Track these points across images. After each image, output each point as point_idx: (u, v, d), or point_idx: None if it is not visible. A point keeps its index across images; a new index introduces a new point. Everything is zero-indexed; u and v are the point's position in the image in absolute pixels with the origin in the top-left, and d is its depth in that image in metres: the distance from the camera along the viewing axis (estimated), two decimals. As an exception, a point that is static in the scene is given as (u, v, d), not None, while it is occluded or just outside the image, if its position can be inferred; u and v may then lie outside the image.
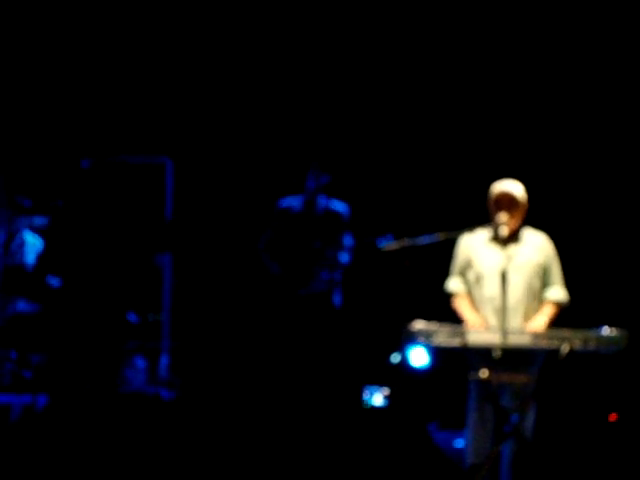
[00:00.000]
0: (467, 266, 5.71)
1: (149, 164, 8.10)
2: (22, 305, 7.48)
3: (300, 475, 5.16)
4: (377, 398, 7.18)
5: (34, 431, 6.00)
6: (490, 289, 5.60)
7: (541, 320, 5.55)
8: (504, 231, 5.57)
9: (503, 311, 5.46)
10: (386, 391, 7.11)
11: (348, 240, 7.45)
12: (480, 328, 5.44)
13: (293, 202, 7.50)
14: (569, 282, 5.77)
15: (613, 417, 6.76)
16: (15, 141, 7.99)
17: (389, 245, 5.60)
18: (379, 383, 7.23)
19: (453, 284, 5.77)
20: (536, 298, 5.65)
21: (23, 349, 7.29)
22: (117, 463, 5.59)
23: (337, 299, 7.43)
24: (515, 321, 5.54)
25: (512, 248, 5.64)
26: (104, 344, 5.98)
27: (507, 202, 5.60)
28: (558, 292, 5.67)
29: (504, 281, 5.47)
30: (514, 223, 5.64)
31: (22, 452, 5.67)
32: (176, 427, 6.28)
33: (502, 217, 5.58)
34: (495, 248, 5.67)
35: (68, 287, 6.00)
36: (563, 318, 5.64)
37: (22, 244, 7.80)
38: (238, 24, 8.43)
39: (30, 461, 5.57)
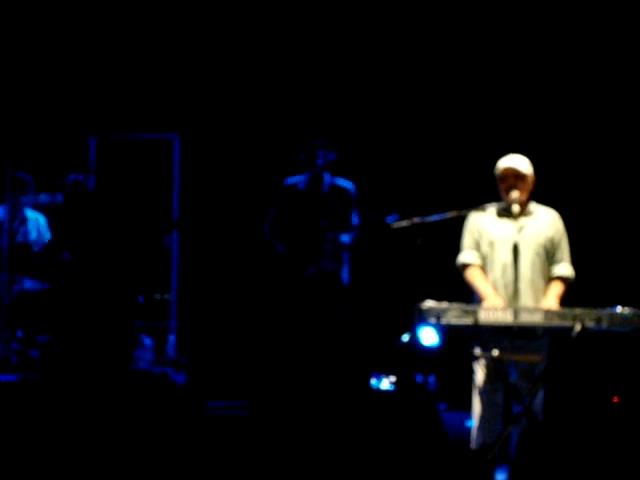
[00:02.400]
0: (479, 238, 5.65)
1: (157, 140, 8.07)
2: (28, 283, 7.45)
3: (308, 459, 5.12)
4: (384, 383, 7.14)
5: (39, 408, 5.98)
6: (501, 259, 5.55)
7: (552, 300, 5.50)
8: (516, 208, 5.52)
9: (514, 283, 5.43)
10: (393, 378, 7.07)
11: (355, 218, 7.40)
12: (492, 305, 5.39)
13: (299, 180, 7.44)
14: (583, 261, 5.72)
15: (616, 399, 6.71)
16: (21, 118, 7.95)
17: (399, 223, 5.54)
18: (388, 364, 7.19)
19: (466, 255, 5.69)
20: (545, 273, 5.61)
21: (29, 328, 7.26)
22: (125, 443, 5.56)
23: (345, 278, 7.38)
24: (525, 294, 5.51)
25: (522, 221, 5.60)
26: (115, 323, 5.95)
27: (513, 177, 5.57)
28: (567, 269, 5.63)
29: (516, 250, 5.45)
30: (522, 197, 5.59)
31: (27, 430, 5.65)
32: (185, 408, 6.25)
33: (514, 194, 5.53)
34: (506, 221, 5.63)
35: (77, 265, 5.96)
36: (576, 297, 5.59)
37: (25, 222, 7.77)
38: (247, 5, 8.39)
39: (37, 439, 5.55)
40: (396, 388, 6.95)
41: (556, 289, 5.57)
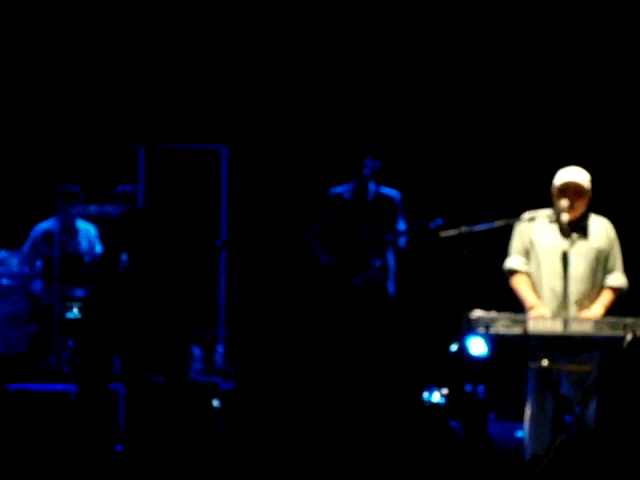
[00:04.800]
0: (530, 246, 5.61)
1: (205, 151, 8.11)
2: (80, 293, 7.53)
3: (358, 467, 5.13)
4: (436, 396, 7.10)
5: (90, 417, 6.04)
6: (552, 269, 5.51)
7: (597, 309, 5.45)
8: (565, 217, 5.48)
9: (564, 293, 5.40)
10: (445, 390, 7.03)
11: (401, 226, 7.38)
12: (540, 314, 5.35)
13: (344, 190, 7.45)
14: (635, 270, 5.67)
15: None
16: (71, 129, 8.03)
17: (447, 232, 5.52)
18: (437, 375, 7.16)
19: (513, 261, 5.65)
20: (596, 283, 5.56)
21: (80, 338, 7.33)
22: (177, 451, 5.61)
23: (391, 288, 7.36)
24: (574, 305, 5.47)
25: (576, 234, 5.55)
26: (169, 334, 5.99)
27: (573, 191, 5.52)
28: (618, 278, 5.57)
29: (566, 260, 5.41)
30: (579, 211, 5.55)
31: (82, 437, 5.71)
32: (234, 415, 6.28)
33: (563, 203, 5.49)
34: (558, 231, 5.58)
35: (136, 275, 6.02)
36: (627, 306, 5.53)
37: (76, 233, 7.85)
38: (293, 18, 8.42)
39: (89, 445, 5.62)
40: (447, 401, 6.91)
41: (605, 298, 5.53)
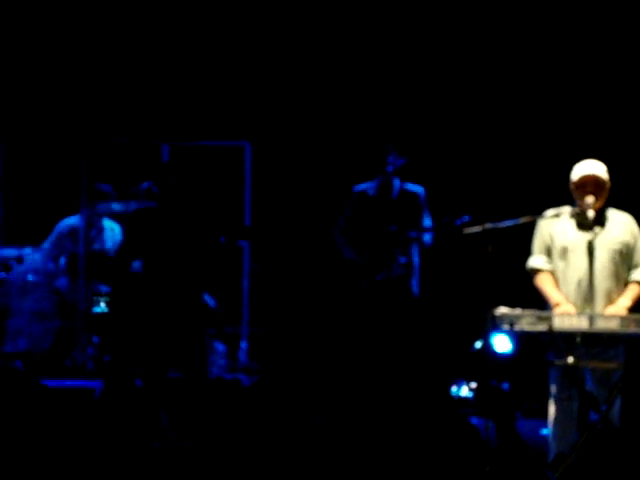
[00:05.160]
0: (551, 243, 5.60)
1: (228, 147, 8.12)
2: (106, 288, 7.55)
3: (383, 462, 5.11)
4: (464, 390, 7.08)
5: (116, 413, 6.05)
6: (575, 264, 5.49)
7: (623, 303, 5.41)
8: (591, 214, 5.45)
9: (589, 286, 5.37)
10: (473, 384, 7.00)
11: (426, 222, 7.36)
12: (565, 311, 5.32)
13: (369, 186, 7.43)
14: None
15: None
16: (95, 127, 8.06)
17: (471, 229, 5.49)
18: (461, 372, 7.14)
19: (536, 260, 5.64)
20: (620, 277, 5.52)
21: (107, 332, 7.35)
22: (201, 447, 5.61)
23: (415, 285, 7.34)
24: (599, 300, 5.44)
25: (597, 226, 5.53)
26: (190, 329, 6.01)
27: (592, 184, 5.49)
28: None
29: (590, 255, 5.39)
30: (599, 204, 5.52)
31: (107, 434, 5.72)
32: (256, 412, 6.27)
33: (589, 199, 5.46)
34: (580, 226, 5.56)
35: (151, 272, 6.03)
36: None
37: (101, 230, 7.88)
38: (314, 8, 8.41)
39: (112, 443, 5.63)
40: (476, 395, 6.89)
41: (631, 292, 5.49)
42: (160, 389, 6.05)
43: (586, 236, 5.51)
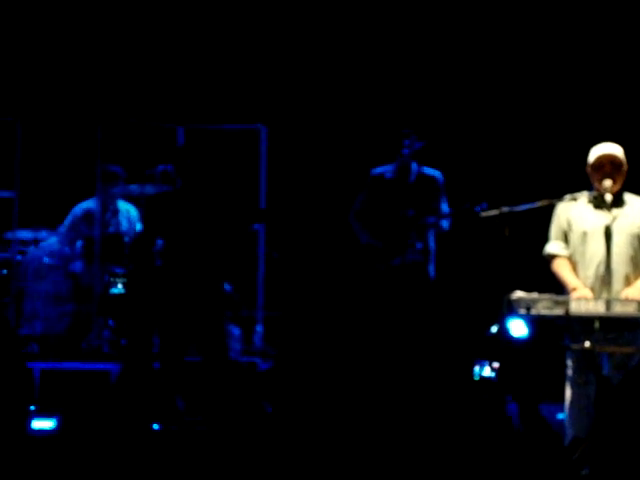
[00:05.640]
0: (568, 228, 5.56)
1: (244, 131, 8.10)
2: (121, 272, 7.56)
3: (404, 447, 5.10)
4: (486, 370, 7.05)
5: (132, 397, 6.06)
6: (593, 248, 5.45)
7: (638, 287, 5.36)
8: (609, 197, 5.40)
9: (607, 270, 5.34)
10: (495, 364, 6.97)
11: (444, 207, 7.32)
12: (582, 296, 5.29)
13: (386, 170, 7.39)
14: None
15: None
16: (110, 109, 8.05)
17: (487, 212, 5.46)
18: (480, 354, 7.12)
19: (553, 246, 5.60)
20: (638, 262, 5.47)
21: (124, 314, 7.37)
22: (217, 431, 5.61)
23: (432, 270, 7.30)
24: (617, 285, 5.40)
25: (615, 210, 5.47)
26: (210, 313, 6.01)
27: (609, 165, 5.45)
28: None
29: (609, 239, 5.36)
30: (617, 186, 5.47)
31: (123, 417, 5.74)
32: (272, 396, 6.27)
33: (607, 182, 5.41)
34: (598, 210, 5.51)
35: (171, 256, 6.04)
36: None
37: (116, 213, 7.88)
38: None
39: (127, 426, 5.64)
40: (498, 375, 6.87)
41: None
42: (177, 373, 6.06)
43: (604, 220, 5.46)
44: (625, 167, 5.51)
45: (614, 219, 5.45)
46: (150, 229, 6.18)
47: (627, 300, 5.21)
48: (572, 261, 5.54)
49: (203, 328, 6.03)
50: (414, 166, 7.34)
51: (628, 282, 5.43)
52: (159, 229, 6.13)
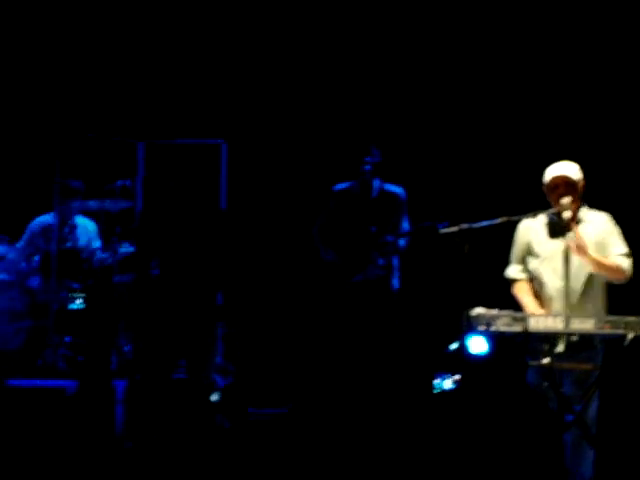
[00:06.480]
0: (527, 251, 5.61)
1: (204, 146, 8.08)
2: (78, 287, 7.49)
3: (362, 457, 5.09)
4: (447, 383, 7.05)
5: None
6: (553, 270, 5.48)
7: (593, 254, 5.36)
8: (567, 215, 5.42)
9: (566, 292, 5.38)
10: (456, 376, 6.97)
11: (405, 224, 7.33)
12: (541, 313, 5.30)
13: (348, 185, 7.39)
14: (635, 268, 5.59)
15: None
16: (69, 124, 7.99)
17: (447, 229, 5.47)
18: (440, 369, 7.11)
19: (513, 270, 5.68)
20: (598, 280, 5.48)
21: (82, 329, 7.31)
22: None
23: (395, 284, 7.30)
24: (578, 305, 5.42)
25: (573, 231, 5.48)
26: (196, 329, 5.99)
27: (563, 186, 5.47)
28: (622, 258, 5.46)
29: (567, 260, 5.38)
30: (573, 205, 5.48)
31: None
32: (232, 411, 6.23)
33: (564, 200, 5.43)
34: (556, 231, 5.54)
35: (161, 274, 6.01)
36: (628, 305, 5.46)
37: (74, 228, 7.81)
38: (289, 13, 8.38)
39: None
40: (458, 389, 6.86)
41: (604, 258, 5.42)
42: (156, 388, 6.01)
43: (561, 243, 5.49)
44: (581, 184, 5.53)
45: (572, 238, 5.46)
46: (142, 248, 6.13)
47: (585, 317, 5.19)
48: (535, 283, 5.57)
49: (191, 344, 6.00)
50: (377, 182, 7.35)
51: (589, 301, 5.47)
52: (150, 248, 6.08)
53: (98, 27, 8.47)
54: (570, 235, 5.46)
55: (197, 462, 5.48)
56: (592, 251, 5.44)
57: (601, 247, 5.49)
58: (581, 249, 5.35)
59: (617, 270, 5.45)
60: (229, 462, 5.37)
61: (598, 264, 5.39)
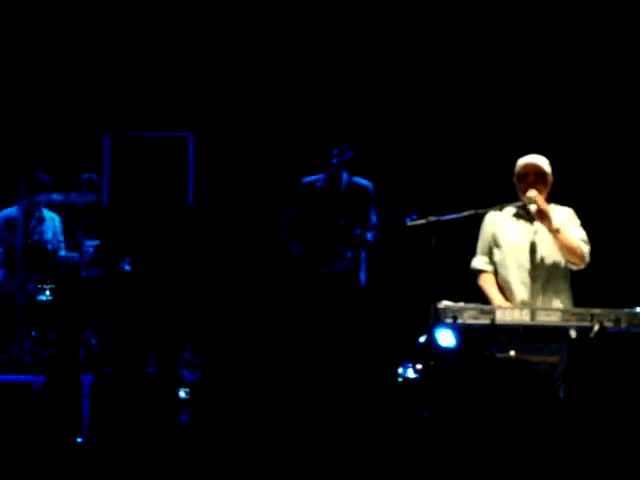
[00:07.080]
0: (493, 243, 5.62)
1: (171, 138, 8.03)
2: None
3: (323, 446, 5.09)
4: (409, 372, 7.07)
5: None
6: (519, 262, 5.50)
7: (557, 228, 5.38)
8: (533, 207, 5.43)
9: (534, 284, 5.40)
10: (419, 366, 7.00)
11: (373, 217, 7.33)
12: (507, 306, 5.32)
13: (316, 179, 7.38)
14: (602, 261, 5.62)
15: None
16: (34, 116, 7.93)
17: (415, 222, 5.47)
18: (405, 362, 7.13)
19: (478, 262, 5.68)
20: (565, 272, 5.51)
21: (45, 328, 7.26)
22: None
23: (363, 278, 7.30)
24: (544, 297, 5.45)
25: (538, 223, 5.50)
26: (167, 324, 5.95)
27: (533, 174, 5.50)
28: (582, 242, 5.47)
29: (533, 252, 5.42)
30: (540, 198, 5.48)
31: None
32: (203, 409, 6.21)
33: (531, 193, 5.45)
34: (522, 223, 5.57)
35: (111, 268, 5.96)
36: (594, 297, 5.49)
37: (42, 221, 7.76)
38: (261, 5, 8.35)
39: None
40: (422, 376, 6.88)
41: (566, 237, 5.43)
42: (128, 383, 5.97)
43: (528, 234, 5.51)
44: (550, 178, 5.55)
45: (537, 232, 5.50)
46: (108, 241, 6.08)
47: (551, 310, 5.21)
48: (501, 275, 5.58)
49: (162, 339, 5.96)
50: (345, 176, 7.35)
51: (555, 293, 5.49)
52: (117, 241, 6.04)
53: (65, 19, 8.40)
54: (536, 228, 5.48)
55: (163, 457, 5.45)
56: (557, 248, 5.46)
57: (563, 232, 5.51)
58: (542, 213, 5.37)
59: (577, 250, 5.45)
60: (194, 457, 5.35)
61: (559, 238, 5.39)
